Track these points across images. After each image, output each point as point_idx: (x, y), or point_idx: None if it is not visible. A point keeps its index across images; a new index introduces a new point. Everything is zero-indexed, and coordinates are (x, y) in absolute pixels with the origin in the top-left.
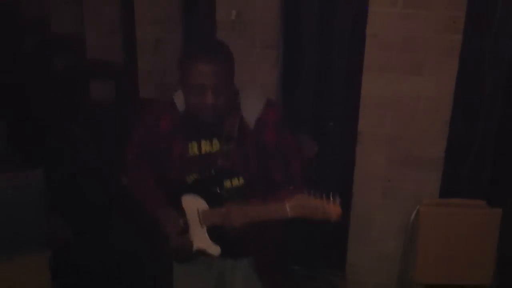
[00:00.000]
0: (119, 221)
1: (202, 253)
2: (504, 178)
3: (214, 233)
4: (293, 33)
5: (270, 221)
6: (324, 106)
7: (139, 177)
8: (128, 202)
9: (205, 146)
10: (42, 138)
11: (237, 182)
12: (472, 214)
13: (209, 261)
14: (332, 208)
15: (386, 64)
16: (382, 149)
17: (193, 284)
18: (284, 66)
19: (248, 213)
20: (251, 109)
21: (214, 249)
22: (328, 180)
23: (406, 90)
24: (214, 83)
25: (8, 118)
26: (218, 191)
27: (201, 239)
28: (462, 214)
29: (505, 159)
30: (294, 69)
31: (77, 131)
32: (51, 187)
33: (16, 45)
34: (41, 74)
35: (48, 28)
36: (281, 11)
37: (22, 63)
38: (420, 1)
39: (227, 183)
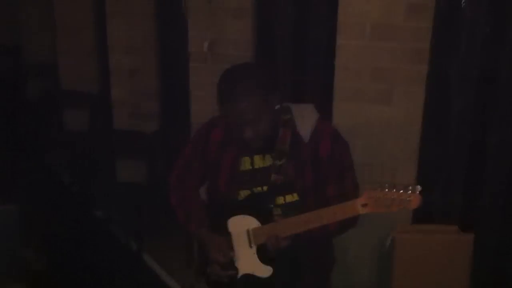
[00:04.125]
0: (94, 251)
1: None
2: (476, 202)
3: (265, 253)
4: None
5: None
6: None
7: (181, 198)
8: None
9: (258, 161)
10: (15, 170)
11: (291, 198)
12: (445, 240)
13: None
14: (411, 196)
15: (356, 94)
16: None
17: None
18: None
19: (301, 222)
20: (305, 122)
21: (264, 271)
22: None
23: (375, 118)
24: (251, 117)
25: None
26: (271, 207)
27: (249, 262)
28: (435, 240)
29: (476, 183)
30: None
31: (50, 162)
32: (25, 220)
33: None
34: (14, 104)
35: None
36: (254, 44)
37: None
38: (386, 34)
39: (280, 200)
